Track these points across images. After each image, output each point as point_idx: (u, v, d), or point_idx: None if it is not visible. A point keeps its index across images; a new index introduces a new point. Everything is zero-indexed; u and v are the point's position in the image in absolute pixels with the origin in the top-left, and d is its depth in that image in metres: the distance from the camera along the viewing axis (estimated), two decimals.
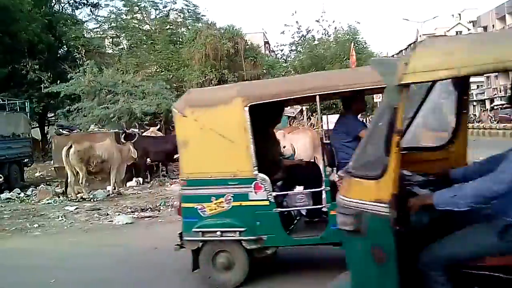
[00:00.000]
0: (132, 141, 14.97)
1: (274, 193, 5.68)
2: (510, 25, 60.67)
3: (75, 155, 13.27)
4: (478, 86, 70.82)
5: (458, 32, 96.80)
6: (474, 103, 65.76)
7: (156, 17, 35.84)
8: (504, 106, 49.66)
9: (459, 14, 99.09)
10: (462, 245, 2.91)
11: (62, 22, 31.01)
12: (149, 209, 11.17)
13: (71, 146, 13.36)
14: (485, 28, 64.28)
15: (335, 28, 37.52)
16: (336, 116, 24.92)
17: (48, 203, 13.15)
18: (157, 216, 10.42)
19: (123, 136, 15.53)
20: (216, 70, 29.29)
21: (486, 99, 62.57)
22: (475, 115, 56.47)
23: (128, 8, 34.93)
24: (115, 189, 14.21)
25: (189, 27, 34.67)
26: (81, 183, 13.53)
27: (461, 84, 3.82)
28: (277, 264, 6.47)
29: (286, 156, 9.56)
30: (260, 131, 5.94)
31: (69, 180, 13.65)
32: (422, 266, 2.96)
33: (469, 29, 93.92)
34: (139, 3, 35.03)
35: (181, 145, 5.93)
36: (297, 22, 38.19)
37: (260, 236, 5.68)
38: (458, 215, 2.85)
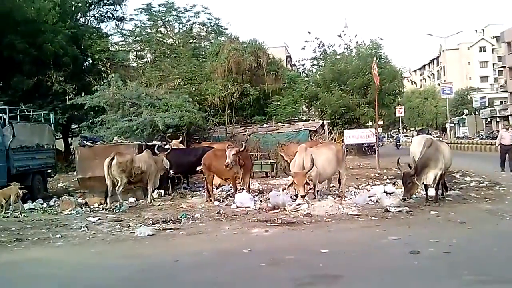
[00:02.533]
0: (165, 153, 15.32)
1: None
2: None
3: (116, 166, 13.85)
4: (501, 102, 70.01)
5: (482, 48, 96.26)
6: (498, 119, 64.91)
7: (179, 31, 36.19)
8: None
9: (483, 30, 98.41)
10: None
11: (87, 35, 31.46)
12: (170, 221, 11.17)
13: (113, 158, 13.91)
14: (509, 43, 63.46)
15: (357, 42, 37.47)
16: (357, 131, 24.84)
17: (71, 213, 13.23)
18: (178, 229, 10.41)
19: (156, 147, 15.75)
20: (238, 84, 29.45)
21: (510, 115, 61.74)
22: (498, 131, 55.73)
23: (153, 22, 35.35)
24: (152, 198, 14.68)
25: (212, 41, 34.95)
26: (118, 190, 14.04)
27: None
28: None
29: None
30: None
31: (109, 189, 14.05)
32: None
33: (492, 45, 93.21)
34: (163, 17, 35.43)
35: None
36: (316, 38, 37.97)
37: None
38: None
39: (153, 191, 14.85)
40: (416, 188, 11.79)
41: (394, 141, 55.82)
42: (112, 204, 13.97)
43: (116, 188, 14.06)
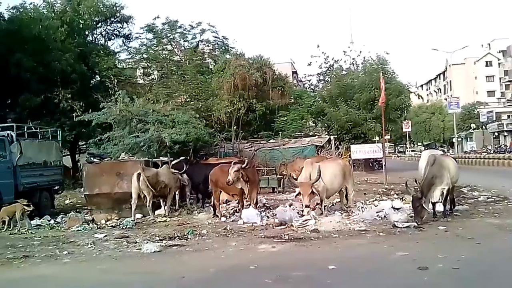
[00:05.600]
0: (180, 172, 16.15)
1: None
2: None
3: (144, 181, 14.21)
4: (508, 116, 69.80)
5: (488, 62, 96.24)
6: (505, 134, 64.68)
7: (185, 48, 36.39)
8: None
9: (489, 44, 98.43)
10: None
11: (95, 53, 31.72)
12: (177, 238, 11.15)
13: (140, 173, 14.23)
14: None
15: (364, 58, 37.55)
16: (363, 146, 24.85)
17: (78, 230, 13.24)
18: (185, 245, 10.38)
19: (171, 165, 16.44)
20: (244, 100, 29.52)
21: None
22: (505, 145, 55.50)
23: (158, 40, 35.60)
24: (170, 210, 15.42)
25: (218, 58, 35.11)
26: (148, 205, 14.50)
27: None
28: None
29: None
30: None
31: (133, 203, 14.38)
32: None
33: (499, 59, 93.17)
34: (168, 35, 35.66)
35: None
36: (323, 53, 38.18)
37: None
38: None
39: (155, 208, 15.07)
40: (426, 211, 11.65)
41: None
42: (119, 221, 14.09)
43: (147, 204, 14.46)
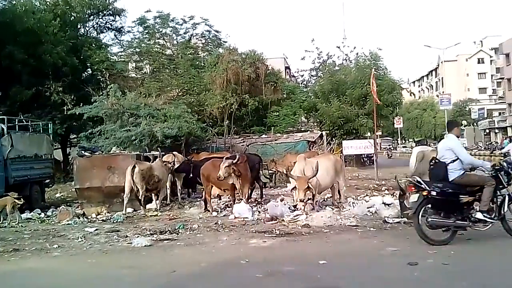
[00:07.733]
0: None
1: None
2: None
3: (138, 174, 14.16)
4: (500, 113, 70.11)
5: (480, 59, 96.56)
6: (496, 130, 65.01)
7: (177, 42, 36.26)
8: None
9: (481, 41, 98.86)
10: None
11: (86, 46, 31.51)
12: (168, 232, 11.14)
13: (134, 166, 14.25)
14: (507, 55, 63.69)
15: (357, 53, 37.59)
16: (355, 141, 24.60)
17: (68, 224, 13.20)
18: (176, 239, 10.37)
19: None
20: (237, 95, 29.48)
21: (508, 126, 61.82)
22: (496, 142, 55.77)
23: (150, 34, 35.46)
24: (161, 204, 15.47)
25: (211, 52, 35.02)
26: (140, 199, 14.42)
27: None
28: None
29: None
30: None
31: (126, 197, 14.31)
32: None
33: (491, 56, 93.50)
34: (160, 29, 35.53)
35: None
36: (317, 48, 38.29)
37: None
38: None
39: (146, 203, 15.01)
40: (408, 208, 11.61)
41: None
42: (110, 214, 14.06)
43: (139, 197, 14.39)
